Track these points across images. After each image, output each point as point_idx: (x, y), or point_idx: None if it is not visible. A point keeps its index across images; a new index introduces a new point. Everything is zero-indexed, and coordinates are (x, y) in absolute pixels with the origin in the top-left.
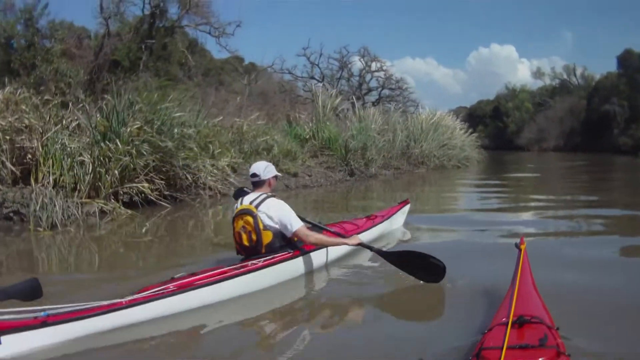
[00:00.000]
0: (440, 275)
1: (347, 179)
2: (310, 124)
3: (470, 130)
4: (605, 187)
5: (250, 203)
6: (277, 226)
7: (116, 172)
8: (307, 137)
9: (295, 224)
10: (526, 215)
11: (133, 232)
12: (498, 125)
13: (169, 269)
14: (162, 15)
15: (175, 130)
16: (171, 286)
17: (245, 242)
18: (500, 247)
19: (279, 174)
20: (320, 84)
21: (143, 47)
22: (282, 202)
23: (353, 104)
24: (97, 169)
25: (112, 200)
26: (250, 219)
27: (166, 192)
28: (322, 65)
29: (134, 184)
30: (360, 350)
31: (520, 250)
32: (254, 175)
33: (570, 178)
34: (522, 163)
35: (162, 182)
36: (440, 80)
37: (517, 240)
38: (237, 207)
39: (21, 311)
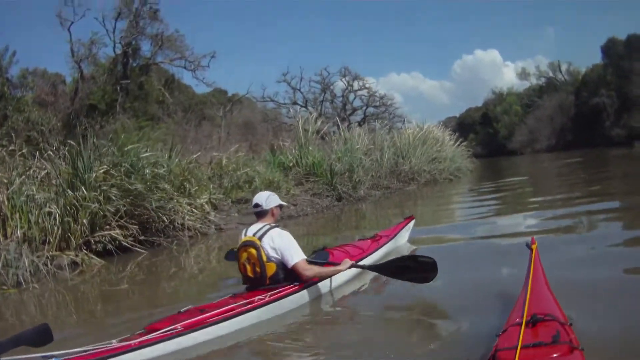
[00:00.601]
0: (434, 271)
1: (334, 205)
2: (294, 151)
3: (460, 140)
4: (603, 181)
5: (254, 234)
6: (279, 258)
7: (84, 221)
8: (291, 164)
9: (295, 258)
10: (528, 217)
11: (109, 280)
12: (488, 131)
13: (148, 315)
14: (135, 54)
15: (147, 171)
16: (179, 326)
17: (250, 274)
18: (508, 249)
19: (284, 203)
20: (304, 109)
21: (118, 88)
22: (285, 233)
23: (338, 126)
24: (65, 219)
25: (84, 251)
26: (253, 251)
27: (141, 237)
28: (303, 89)
29: (106, 232)
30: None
31: (531, 250)
32: (257, 205)
33: (566, 177)
34: (515, 168)
35: (135, 227)
36: (428, 92)
37: (528, 240)
38: (241, 239)
39: (30, 357)
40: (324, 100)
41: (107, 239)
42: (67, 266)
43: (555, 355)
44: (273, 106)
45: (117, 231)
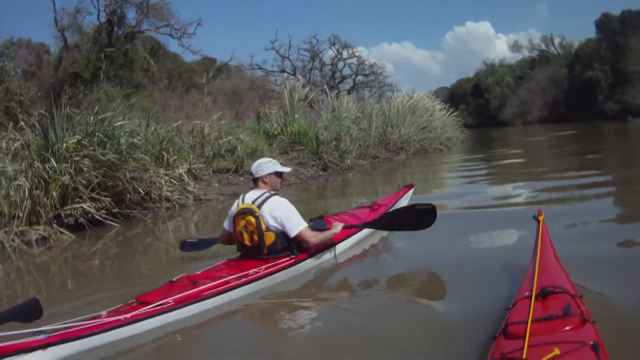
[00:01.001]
0: (433, 216)
1: (319, 174)
2: (279, 119)
3: (451, 110)
4: (600, 154)
5: (253, 202)
6: (279, 227)
7: (54, 193)
8: (276, 133)
9: (298, 227)
10: (521, 188)
11: (79, 256)
12: (480, 102)
13: (126, 292)
14: (120, 22)
15: (122, 140)
16: (171, 300)
17: (247, 242)
18: (509, 219)
19: (283, 169)
20: (292, 77)
21: (103, 56)
22: (285, 201)
23: (326, 94)
24: (35, 192)
25: (55, 225)
26: (252, 219)
27: (115, 210)
28: (292, 57)
29: (77, 205)
30: (384, 333)
31: (538, 221)
32: (251, 173)
33: (559, 149)
34: (507, 139)
35: (108, 199)
36: (419, 63)
37: (535, 212)
38: (238, 206)
39: (19, 334)
40: (312, 68)
41: (78, 213)
42: (35, 242)
43: (567, 328)
44: (261, 74)
45: (89, 204)
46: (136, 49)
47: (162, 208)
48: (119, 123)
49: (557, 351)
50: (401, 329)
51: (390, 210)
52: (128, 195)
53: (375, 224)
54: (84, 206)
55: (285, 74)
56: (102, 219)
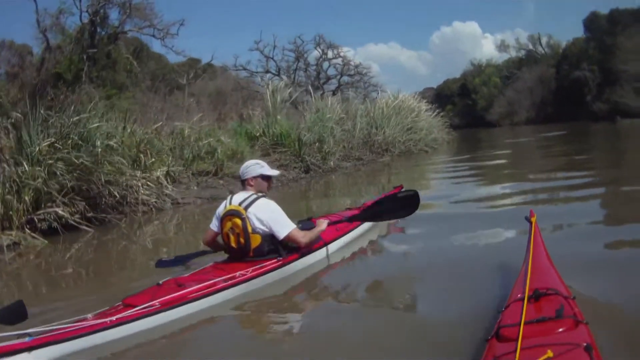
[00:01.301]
0: (416, 201)
1: (301, 177)
2: (261, 120)
3: (437, 111)
4: (589, 155)
5: (240, 204)
6: (266, 229)
7: (26, 198)
8: (258, 134)
9: (286, 228)
10: (515, 188)
11: (51, 262)
12: (467, 103)
13: (97, 297)
14: (103, 23)
15: (98, 142)
16: (157, 302)
17: (233, 244)
18: (499, 221)
19: (270, 172)
20: (277, 77)
21: (85, 57)
22: (272, 203)
23: (310, 94)
24: (6, 197)
25: (27, 230)
26: (238, 221)
27: (90, 214)
28: (277, 57)
29: (50, 209)
30: (375, 336)
31: (531, 223)
32: (240, 176)
33: (546, 149)
34: (494, 140)
35: (82, 203)
36: (406, 63)
37: (527, 214)
38: (225, 207)
39: (3, 336)
40: (297, 69)
41: (52, 217)
42: (6, 247)
43: (560, 330)
44: (246, 75)
45: (63, 208)
46: (119, 50)
47: (138, 212)
48: (95, 125)
49: (550, 353)
50: (391, 332)
51: (374, 201)
52: (103, 199)
53: (360, 216)
54: (58, 211)
55: (270, 75)
56: (76, 224)
